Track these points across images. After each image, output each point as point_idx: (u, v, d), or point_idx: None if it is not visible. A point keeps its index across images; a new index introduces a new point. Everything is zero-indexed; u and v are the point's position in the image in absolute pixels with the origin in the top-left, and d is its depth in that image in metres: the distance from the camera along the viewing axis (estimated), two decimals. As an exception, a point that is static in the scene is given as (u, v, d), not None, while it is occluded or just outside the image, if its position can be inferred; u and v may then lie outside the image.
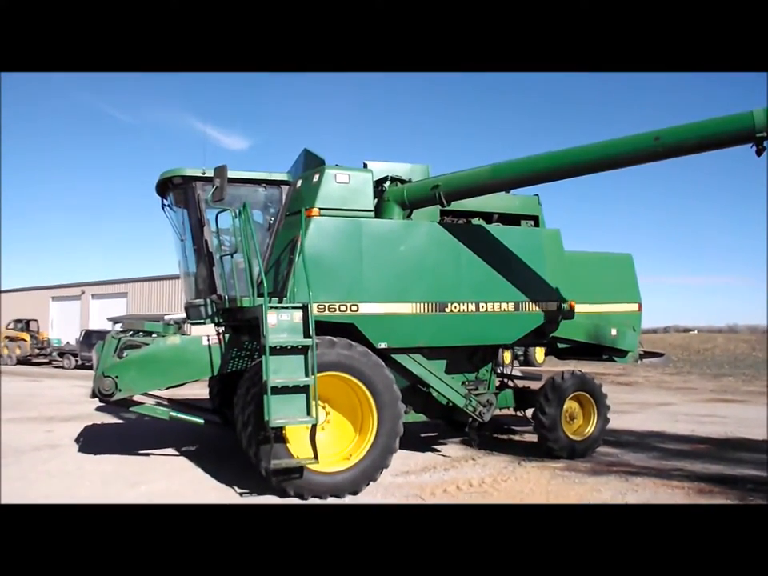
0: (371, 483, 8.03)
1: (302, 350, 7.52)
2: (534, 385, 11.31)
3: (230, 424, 9.41)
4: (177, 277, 41.37)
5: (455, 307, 9.17)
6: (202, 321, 9.32)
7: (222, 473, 8.82)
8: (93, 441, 11.30)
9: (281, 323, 7.61)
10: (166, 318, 40.35)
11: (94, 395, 8.43)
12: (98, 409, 14.72)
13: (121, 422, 13.53)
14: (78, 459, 9.72)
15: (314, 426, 7.53)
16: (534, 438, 10.76)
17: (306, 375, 7.44)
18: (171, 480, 8.43)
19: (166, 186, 9.63)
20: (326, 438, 8.12)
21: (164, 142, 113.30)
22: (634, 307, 11.20)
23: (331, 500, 7.53)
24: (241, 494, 7.79)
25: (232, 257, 8.85)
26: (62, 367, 32.40)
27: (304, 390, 7.40)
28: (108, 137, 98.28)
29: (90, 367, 29.92)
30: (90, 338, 31.31)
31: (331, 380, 7.93)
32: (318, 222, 8.49)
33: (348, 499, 7.63)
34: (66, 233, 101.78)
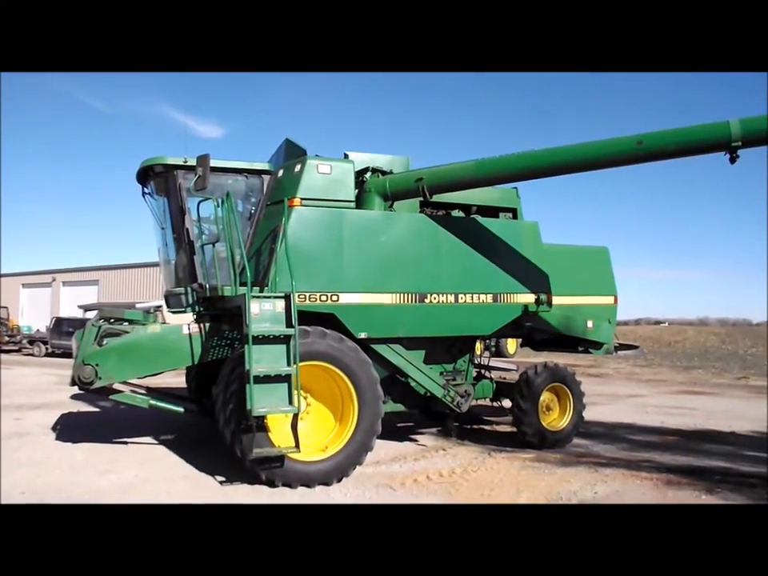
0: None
1: (284, 340, 7.56)
2: (509, 376, 11.55)
3: (208, 413, 9.35)
4: (148, 265, 41.12)
5: (435, 298, 9.28)
6: (183, 309, 9.37)
7: (194, 462, 8.81)
8: (64, 429, 11.21)
9: (263, 312, 7.63)
10: (138, 305, 40.14)
11: (73, 383, 8.38)
12: (72, 397, 14.63)
13: (93, 410, 13.44)
14: (47, 447, 9.63)
15: (295, 416, 7.57)
16: (505, 428, 10.84)
17: (288, 364, 7.48)
18: (142, 469, 8.38)
19: (147, 175, 9.56)
20: (305, 428, 8.10)
21: (139, 130, 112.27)
22: (610, 300, 11.33)
23: (321, 499, 7.45)
24: (221, 483, 7.78)
25: (213, 246, 8.78)
26: (33, 355, 32.01)
27: (286, 379, 7.44)
28: (83, 125, 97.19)
29: (61, 355, 29.70)
30: (61, 325, 30.97)
31: (314, 370, 7.96)
32: (299, 212, 8.53)
33: (336, 498, 7.60)
34: (36, 219, 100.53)
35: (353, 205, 9.12)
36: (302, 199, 8.59)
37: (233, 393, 7.75)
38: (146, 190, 9.95)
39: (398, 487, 7.76)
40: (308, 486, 7.73)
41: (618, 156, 8.67)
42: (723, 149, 8.11)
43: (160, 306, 41.01)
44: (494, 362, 11.81)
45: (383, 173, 9.65)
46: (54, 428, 11.32)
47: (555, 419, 10.63)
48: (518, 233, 10.26)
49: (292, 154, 9.36)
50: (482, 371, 11.39)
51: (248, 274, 7.85)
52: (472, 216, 10.20)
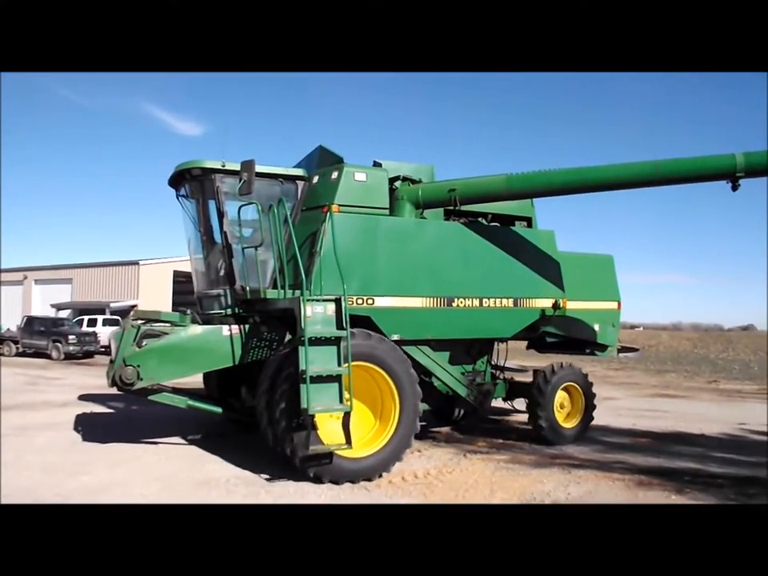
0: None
1: (335, 341, 7.83)
2: (519, 376, 12.18)
3: (238, 413, 9.84)
4: (123, 263, 40.58)
5: (461, 302, 9.72)
6: (221, 311, 9.57)
7: (169, 462, 8.79)
8: (37, 430, 11.05)
9: (315, 315, 7.89)
10: (113, 305, 39.79)
11: (113, 384, 8.45)
12: (45, 397, 14.43)
13: (67, 411, 13.23)
14: (19, 449, 9.49)
15: (347, 414, 7.86)
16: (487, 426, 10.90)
17: (339, 365, 7.74)
18: (114, 470, 8.32)
19: (183, 178, 9.73)
20: (338, 426, 8.17)
21: (116, 126, 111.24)
22: (614, 305, 11.91)
23: (296, 500, 7.42)
24: (196, 484, 7.70)
25: (256, 249, 8.89)
26: (3, 354, 31.57)
27: (337, 379, 7.71)
28: (58, 118, 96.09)
29: (32, 354, 29.37)
30: (32, 324, 30.63)
31: (356, 370, 8.10)
32: (337, 218, 8.80)
33: (311, 500, 7.57)
34: (7, 216, 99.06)
35: (386, 212, 9.52)
36: (339, 206, 8.88)
37: (283, 392, 7.94)
38: (180, 193, 10.13)
39: (373, 488, 7.79)
40: (353, 481, 7.98)
41: (638, 179, 9.64)
42: (728, 178, 9.23)
43: (135, 306, 40.95)
44: (507, 364, 12.26)
45: (413, 181, 10.08)
46: (25, 429, 11.17)
47: (568, 417, 11.08)
48: (537, 241, 10.76)
49: (327, 161, 9.68)
50: (497, 372, 11.74)
51: (304, 278, 8.00)
52: (494, 224, 10.72)
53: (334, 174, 9.22)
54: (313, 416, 7.57)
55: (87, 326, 32.43)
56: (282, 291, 8.59)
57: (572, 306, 10.89)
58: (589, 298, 11.42)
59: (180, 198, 10.20)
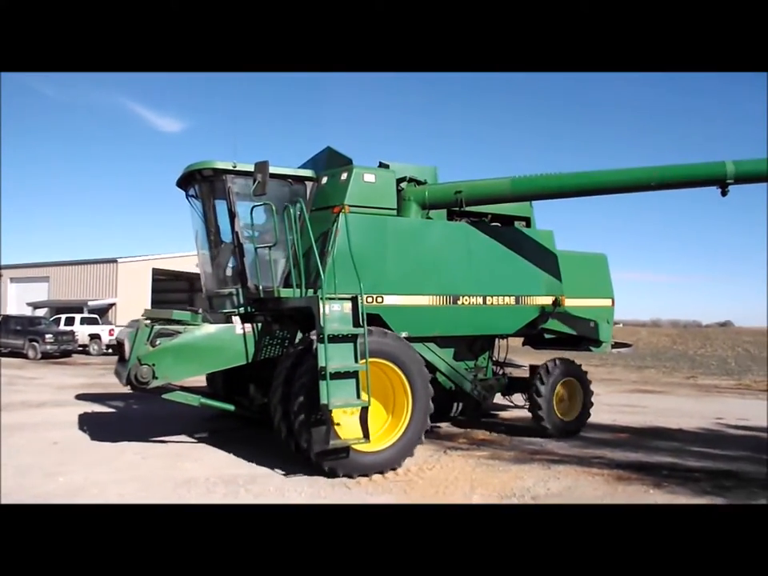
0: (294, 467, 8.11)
1: (351, 339, 7.99)
2: (516, 372, 12.78)
3: (246, 410, 10.06)
4: (101, 261, 40.10)
5: (466, 300, 10.01)
6: (233, 310, 9.68)
7: (147, 462, 8.72)
8: (13, 430, 10.88)
9: (332, 313, 8.04)
10: (90, 303, 39.38)
11: (128, 383, 8.52)
12: (22, 398, 14.26)
13: (42, 411, 13.10)
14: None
15: (365, 409, 8.00)
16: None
17: (355, 361, 7.91)
18: (91, 470, 8.21)
19: (194, 178, 9.89)
20: (355, 420, 8.26)
21: (93, 121, 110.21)
22: (608, 302, 12.33)
23: (276, 498, 7.40)
24: (174, 484, 7.64)
25: (270, 249, 9.08)
26: (-22, 354, 31.20)
27: (354, 375, 7.89)
28: (34, 113, 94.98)
29: (8, 354, 28.94)
30: (8, 323, 30.21)
31: (370, 366, 8.17)
32: (348, 219, 8.90)
33: (292, 497, 7.53)
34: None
35: (394, 212, 9.76)
36: (349, 206, 9.02)
37: (301, 387, 8.07)
38: (189, 193, 10.31)
39: (353, 486, 7.77)
40: (366, 475, 8.13)
41: (635, 184, 10.16)
42: (718, 184, 9.81)
43: (113, 304, 40.59)
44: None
45: (418, 182, 10.31)
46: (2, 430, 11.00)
47: (567, 411, 11.40)
48: (537, 240, 11.13)
49: (336, 162, 9.87)
50: (497, 368, 12.04)
51: (323, 277, 8.12)
52: (495, 224, 10.99)
53: (344, 176, 9.42)
54: (331, 411, 7.69)
55: (64, 324, 32.02)
56: (299, 290, 8.81)
57: (569, 303, 11.26)
58: (584, 295, 11.75)
59: (189, 199, 10.37)
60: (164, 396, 9.07)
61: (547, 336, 11.84)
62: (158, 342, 8.58)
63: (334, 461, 8.01)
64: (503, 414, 13.74)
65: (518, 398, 12.24)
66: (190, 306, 51.06)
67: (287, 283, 9.13)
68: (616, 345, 13.52)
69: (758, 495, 7.45)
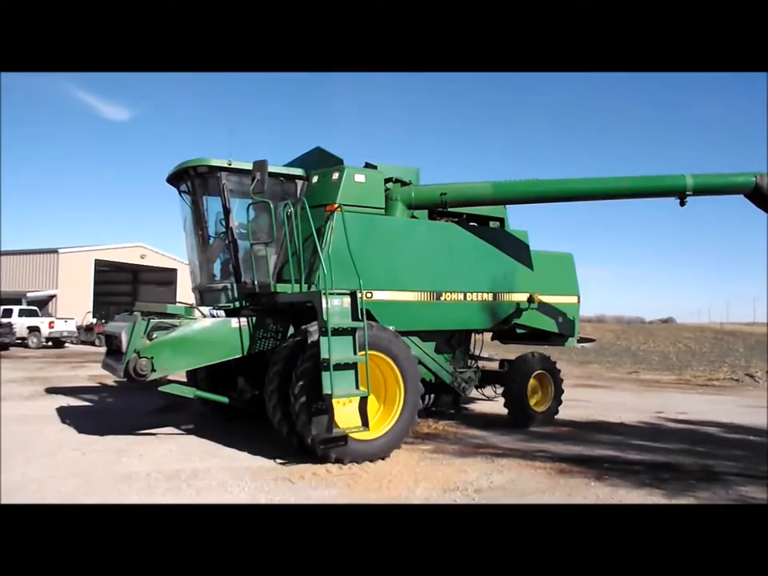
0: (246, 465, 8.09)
1: (350, 332, 8.33)
2: (488, 365, 13.21)
3: (241, 402, 10.29)
4: (42, 251, 39.11)
5: (448, 296, 10.55)
6: (227, 305, 9.99)
7: (87, 458, 8.56)
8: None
9: (333, 308, 8.36)
10: (29, 294, 38.40)
11: (126, 375, 8.64)
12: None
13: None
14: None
15: (364, 398, 8.36)
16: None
17: (354, 353, 8.26)
18: (28, 467, 7.98)
19: (187, 174, 10.09)
20: (352, 410, 8.55)
21: (38, 107, 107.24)
22: (575, 299, 12.90)
23: (219, 494, 7.31)
24: (115, 480, 7.46)
25: (266, 245, 9.61)
26: None
27: (353, 366, 8.23)
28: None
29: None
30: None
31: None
32: (340, 217, 9.34)
33: (235, 492, 7.43)
34: None
35: (382, 211, 10.20)
36: (341, 205, 9.42)
37: (302, 377, 8.30)
38: (182, 189, 10.55)
39: (297, 480, 7.68)
40: (356, 462, 8.46)
41: (605, 192, 11.28)
42: (678, 195, 11.15)
43: (54, 296, 39.66)
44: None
45: (404, 183, 10.79)
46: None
47: (539, 402, 12.10)
48: (513, 240, 11.73)
49: (326, 162, 10.22)
50: (472, 361, 12.35)
51: (325, 273, 8.68)
52: (473, 224, 11.51)
53: (335, 175, 9.80)
54: (330, 400, 7.99)
55: (2, 316, 31.20)
56: (297, 285, 9.26)
57: (540, 300, 11.87)
58: (553, 292, 12.27)
59: (182, 194, 10.62)
60: (160, 388, 9.28)
61: (519, 331, 12.34)
62: (154, 336, 8.75)
63: (333, 448, 8.32)
64: (472, 406, 14.00)
65: (489, 391, 12.74)
66: (134, 299, 50.41)
67: (280, 278, 9.56)
68: (581, 339, 14.27)
69: (694, 487, 7.59)
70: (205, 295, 10.63)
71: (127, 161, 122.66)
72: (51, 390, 14.70)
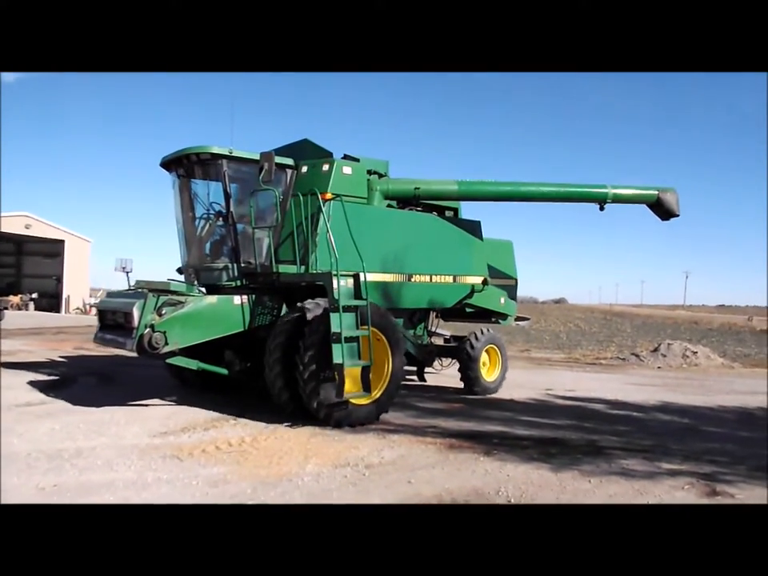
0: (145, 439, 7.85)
1: (354, 309, 9.28)
2: (440, 340, 14.47)
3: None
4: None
5: (418, 278, 11.82)
6: (222, 283, 10.67)
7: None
8: None
9: (339, 288, 9.20)
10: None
11: (140, 349, 9.11)
12: None
13: None
14: None
15: (367, 367, 9.26)
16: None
17: (357, 328, 9.22)
18: None
19: (188, 159, 10.74)
20: (356, 377, 9.38)
21: None
22: (513, 282, 14.49)
23: (104, 473, 7.08)
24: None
25: (270, 230, 10.46)
26: None
27: (356, 339, 9.17)
28: None
29: None
30: None
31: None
32: (331, 205, 10.23)
33: (121, 471, 7.16)
34: None
35: (365, 201, 11.29)
36: (332, 194, 10.28)
37: (310, 349, 9.12)
38: (180, 173, 11.25)
39: (186, 458, 7.51)
40: (361, 424, 9.50)
41: (544, 196, 13.53)
42: (599, 202, 13.79)
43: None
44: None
45: (380, 175, 11.89)
46: None
47: (489, 373, 13.55)
48: (469, 229, 13.03)
49: (315, 153, 11.08)
50: (430, 336, 13.90)
51: (336, 258, 9.27)
52: (431, 213, 12.78)
53: (326, 167, 10.73)
54: (341, 369, 8.80)
55: None
56: (303, 267, 10.21)
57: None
58: (496, 276, 13.69)
59: (180, 178, 11.30)
60: (168, 360, 9.92)
61: (468, 310, 13.55)
62: (163, 312, 9.29)
63: (336, 412, 9.22)
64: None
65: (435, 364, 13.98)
66: (18, 272, 48.20)
67: (276, 259, 10.33)
68: (518, 318, 15.93)
69: (580, 461, 7.85)
70: (201, 273, 11.20)
71: (10, 123, 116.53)
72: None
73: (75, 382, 12.81)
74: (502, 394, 13.44)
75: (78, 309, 47.05)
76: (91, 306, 45.19)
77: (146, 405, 10.65)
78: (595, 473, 7.33)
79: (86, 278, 50.24)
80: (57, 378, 13.08)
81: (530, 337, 35.43)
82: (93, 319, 38.39)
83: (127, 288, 10.77)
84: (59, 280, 48.09)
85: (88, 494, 6.06)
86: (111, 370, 14.78)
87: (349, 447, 8.19)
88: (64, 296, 47.37)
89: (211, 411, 10.31)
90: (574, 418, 10.81)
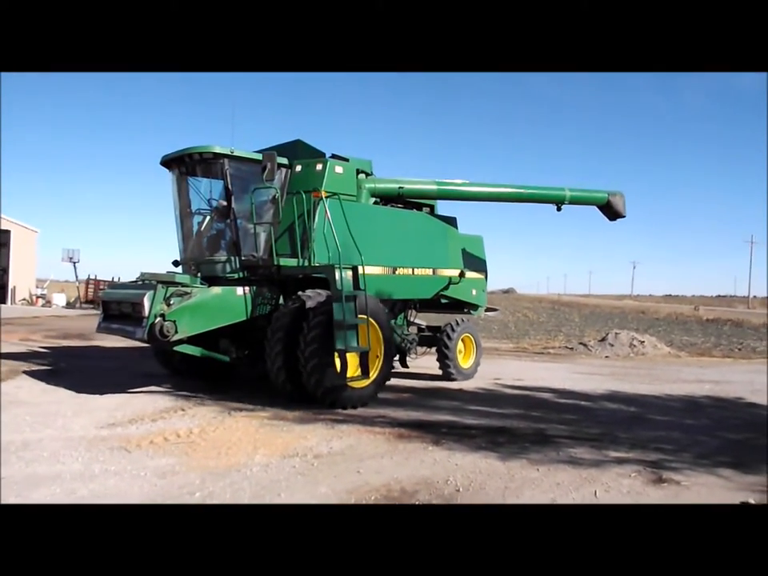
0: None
1: (353, 299, 9.95)
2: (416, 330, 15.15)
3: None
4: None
5: (402, 271, 12.61)
6: (233, 275, 11.18)
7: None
8: None
9: (342, 279, 10.02)
10: None
11: (151, 338, 9.58)
12: None
13: None
14: None
15: (366, 352, 10.22)
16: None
17: (356, 316, 9.91)
18: None
19: (190, 158, 11.25)
20: (355, 363, 10.33)
21: None
22: (483, 275, 15.10)
23: (51, 464, 6.97)
24: None
25: (272, 226, 11.13)
26: None
27: (354, 327, 9.87)
28: None
29: None
30: None
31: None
32: (326, 203, 10.86)
33: (68, 463, 7.08)
34: None
35: (355, 198, 11.94)
36: (326, 192, 10.95)
37: (314, 336, 9.83)
38: (181, 171, 11.77)
39: (134, 449, 7.46)
40: (354, 407, 10.22)
41: (510, 197, 14.85)
42: (557, 204, 15.08)
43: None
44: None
45: (367, 174, 12.59)
46: None
47: (464, 360, 14.44)
48: (446, 224, 13.98)
49: (308, 153, 11.80)
50: (409, 326, 14.73)
51: (339, 251, 10.16)
52: (410, 210, 13.62)
53: (319, 166, 11.40)
54: (344, 354, 9.76)
55: None
56: (299, 260, 10.88)
57: (455, 275, 13.99)
58: (469, 269, 14.39)
59: (181, 176, 11.81)
60: (175, 348, 10.16)
61: (443, 301, 14.38)
62: (172, 302, 9.76)
63: (337, 395, 10.01)
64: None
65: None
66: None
67: (271, 253, 10.93)
68: (487, 309, 16.92)
69: (528, 450, 7.94)
70: (202, 266, 11.59)
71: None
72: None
73: (20, 373, 12.59)
74: (450, 383, 13.58)
75: (24, 300, 45.98)
76: (38, 297, 44.28)
77: (94, 396, 10.50)
78: (543, 461, 7.43)
79: (33, 269, 49.01)
80: (2, 369, 12.79)
81: (479, 327, 35.63)
82: (40, 310, 37.91)
83: (133, 280, 11.37)
84: (5, 271, 46.86)
85: (35, 487, 5.99)
86: (59, 362, 14.59)
87: (297, 437, 8.19)
88: (10, 287, 46.25)
89: (160, 402, 10.26)
90: (522, 407, 10.89)
